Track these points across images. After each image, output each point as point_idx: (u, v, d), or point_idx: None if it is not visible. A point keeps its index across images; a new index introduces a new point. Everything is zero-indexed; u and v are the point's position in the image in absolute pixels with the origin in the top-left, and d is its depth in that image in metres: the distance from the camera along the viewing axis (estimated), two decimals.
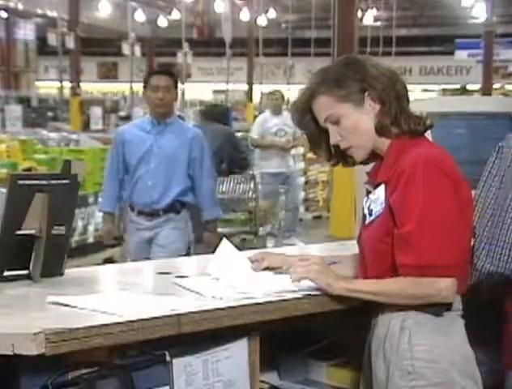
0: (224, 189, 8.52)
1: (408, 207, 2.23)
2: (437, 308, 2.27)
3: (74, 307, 2.13)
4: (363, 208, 2.43)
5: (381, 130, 2.35)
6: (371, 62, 2.38)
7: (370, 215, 2.37)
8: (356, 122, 2.35)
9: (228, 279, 2.46)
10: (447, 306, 2.28)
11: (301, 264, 2.40)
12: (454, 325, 2.32)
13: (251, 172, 8.83)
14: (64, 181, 2.56)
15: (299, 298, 2.32)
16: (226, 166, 8.15)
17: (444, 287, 2.22)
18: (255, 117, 13.76)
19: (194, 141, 5.35)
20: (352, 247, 2.56)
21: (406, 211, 2.23)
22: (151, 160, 5.29)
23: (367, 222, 2.38)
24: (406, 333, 2.28)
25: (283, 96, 10.46)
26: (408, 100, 2.40)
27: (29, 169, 8.62)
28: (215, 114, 8.32)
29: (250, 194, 8.80)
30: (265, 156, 10.20)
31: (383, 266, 2.30)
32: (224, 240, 2.66)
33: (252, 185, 8.73)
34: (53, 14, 28.29)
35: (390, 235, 2.27)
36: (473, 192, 2.36)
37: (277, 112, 10.16)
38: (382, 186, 2.33)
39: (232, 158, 8.18)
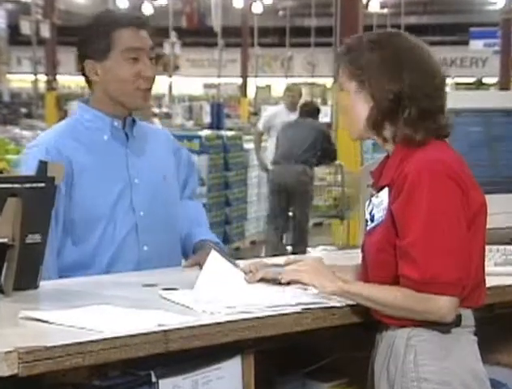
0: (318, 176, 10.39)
1: (411, 217, 2.24)
2: (444, 324, 2.27)
3: (50, 323, 2.13)
4: (365, 213, 2.44)
5: (372, 125, 2.37)
6: (407, 56, 2.44)
7: (372, 220, 2.38)
8: (351, 105, 2.41)
9: (220, 292, 2.47)
10: (456, 322, 2.29)
11: (293, 268, 2.43)
12: (465, 343, 2.33)
13: (337, 162, 10.13)
14: (39, 185, 2.55)
15: (298, 313, 2.32)
16: (317, 157, 9.58)
17: (441, 305, 2.22)
18: (250, 113, 13.78)
19: (178, 150, 3.23)
20: (356, 256, 2.57)
21: (408, 221, 2.24)
22: (133, 201, 2.95)
23: (368, 228, 2.40)
24: (411, 351, 2.29)
25: (300, 92, 10.60)
26: (433, 107, 2.37)
27: (0, 171, 8.62)
28: (310, 110, 9.95)
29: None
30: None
31: (385, 276, 2.31)
32: (213, 251, 2.66)
33: (339, 175, 10.28)
34: None
35: (392, 244, 2.28)
36: (487, 196, 2.36)
37: (293, 108, 10.23)
38: (386, 190, 2.35)
39: (326, 149, 9.59)
